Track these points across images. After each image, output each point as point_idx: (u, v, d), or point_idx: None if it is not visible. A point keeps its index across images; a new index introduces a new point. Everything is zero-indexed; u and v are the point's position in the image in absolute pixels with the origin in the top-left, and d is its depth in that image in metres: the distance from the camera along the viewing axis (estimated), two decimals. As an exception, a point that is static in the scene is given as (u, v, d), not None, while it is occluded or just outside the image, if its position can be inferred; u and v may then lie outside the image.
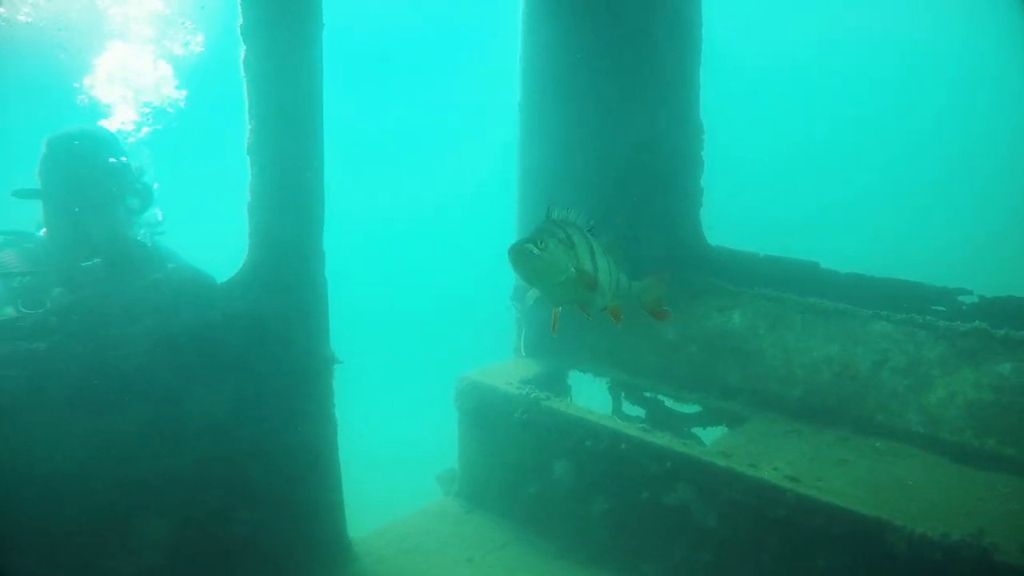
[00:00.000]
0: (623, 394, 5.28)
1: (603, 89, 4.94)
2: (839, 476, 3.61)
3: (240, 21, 3.88)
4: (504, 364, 5.40)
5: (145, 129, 5.53)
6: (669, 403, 5.04)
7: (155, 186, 4.62)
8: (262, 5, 3.85)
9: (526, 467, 4.81)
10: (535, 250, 2.38)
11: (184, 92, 5.81)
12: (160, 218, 4.82)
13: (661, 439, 4.14)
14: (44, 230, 4.45)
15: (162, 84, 5.81)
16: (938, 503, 3.33)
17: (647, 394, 5.11)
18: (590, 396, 5.40)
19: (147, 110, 5.67)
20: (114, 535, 3.71)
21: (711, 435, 4.74)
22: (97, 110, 5.47)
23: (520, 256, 2.39)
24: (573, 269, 2.49)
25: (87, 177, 4.22)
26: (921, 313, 4.27)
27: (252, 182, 4.02)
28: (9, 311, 4.13)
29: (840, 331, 4.47)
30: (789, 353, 4.56)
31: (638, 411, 5.21)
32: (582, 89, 4.98)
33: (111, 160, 4.34)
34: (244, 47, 3.90)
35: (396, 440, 10.78)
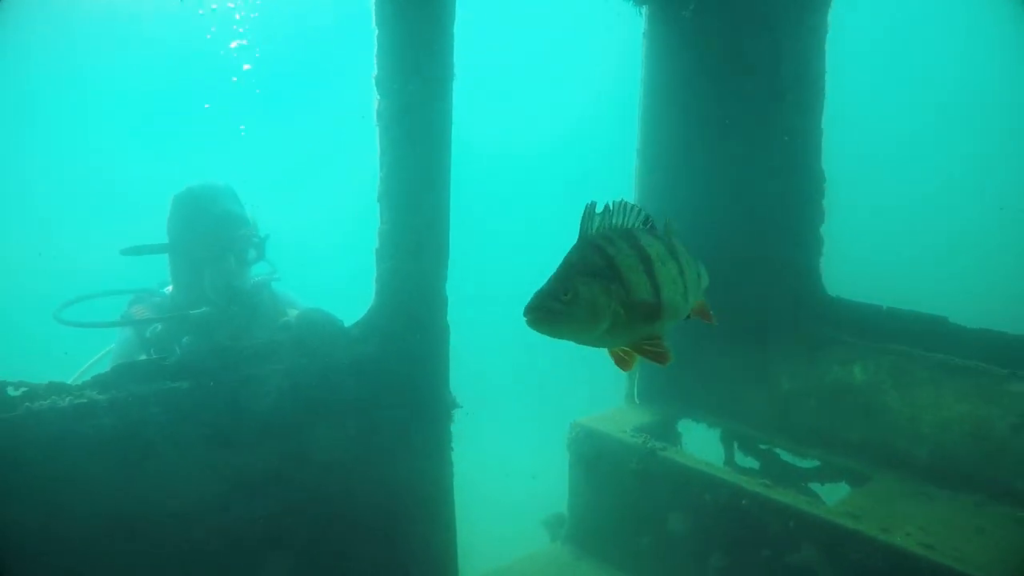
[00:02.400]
0: (736, 445, 5.20)
1: (725, 138, 4.92)
2: (979, 546, 3.46)
3: (375, 72, 4.02)
4: (617, 411, 5.38)
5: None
6: (785, 456, 4.94)
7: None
8: (396, 57, 3.97)
9: (639, 517, 4.76)
10: (559, 305, 1.84)
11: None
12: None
13: (785, 496, 4.06)
14: (169, 287, 4.69)
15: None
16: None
17: (762, 446, 5.02)
18: (693, 442, 5.34)
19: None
20: (244, 569, 3.82)
21: (829, 491, 4.62)
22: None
23: (540, 320, 1.84)
24: (620, 308, 1.92)
25: (213, 230, 4.43)
26: (1065, 375, 4.09)
27: (381, 228, 4.14)
28: (143, 359, 4.35)
29: (972, 390, 4.31)
30: (916, 410, 4.41)
31: (751, 462, 5.12)
32: (703, 138, 4.98)
33: (235, 214, 4.56)
34: (378, 98, 4.04)
35: (498, 481, 10.82)
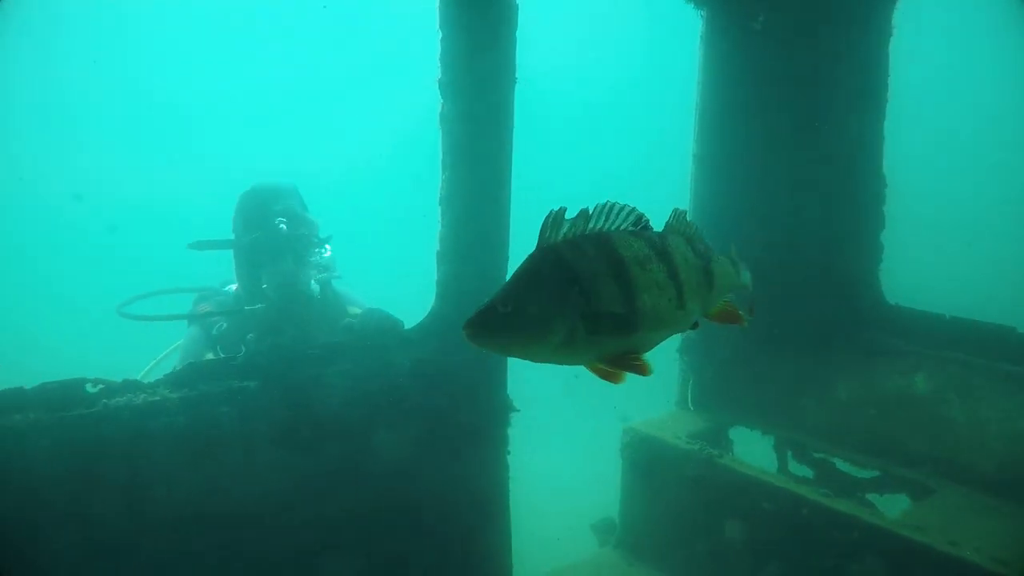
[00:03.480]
0: (790, 453, 5.15)
1: (785, 144, 4.88)
2: (1052, 562, 3.40)
3: (439, 76, 4.04)
4: (670, 416, 5.36)
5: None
6: (841, 466, 4.88)
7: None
8: (460, 61, 3.99)
9: (695, 523, 4.74)
10: (497, 317, 1.65)
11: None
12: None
13: (847, 507, 4.01)
14: (234, 286, 4.76)
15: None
16: None
17: (817, 455, 4.96)
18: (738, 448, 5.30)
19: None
20: (307, 568, 3.86)
21: (888, 503, 4.56)
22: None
23: (477, 334, 1.64)
24: (579, 320, 1.70)
25: (272, 229, 4.49)
26: None
27: (442, 232, 4.15)
28: (210, 356, 4.44)
29: (1040, 402, 4.23)
30: (981, 423, 4.34)
31: (805, 471, 5.06)
32: (763, 144, 4.93)
33: (295, 213, 4.61)
34: (442, 101, 4.05)
35: (543, 484, 10.81)
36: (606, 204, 1.82)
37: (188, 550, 3.46)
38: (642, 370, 1.76)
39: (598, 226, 1.81)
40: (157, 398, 3.33)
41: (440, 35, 3.99)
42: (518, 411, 4.44)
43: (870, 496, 4.69)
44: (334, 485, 3.91)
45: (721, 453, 4.67)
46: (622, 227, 1.84)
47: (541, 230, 1.77)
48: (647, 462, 5.00)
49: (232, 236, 4.64)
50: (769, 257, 4.84)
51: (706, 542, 4.67)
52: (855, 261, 5.12)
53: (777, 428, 5.13)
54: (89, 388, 3.20)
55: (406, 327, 4.26)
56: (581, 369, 1.84)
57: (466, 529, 4.39)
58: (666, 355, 5.71)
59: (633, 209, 1.85)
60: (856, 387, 4.91)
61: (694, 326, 1.99)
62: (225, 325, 4.44)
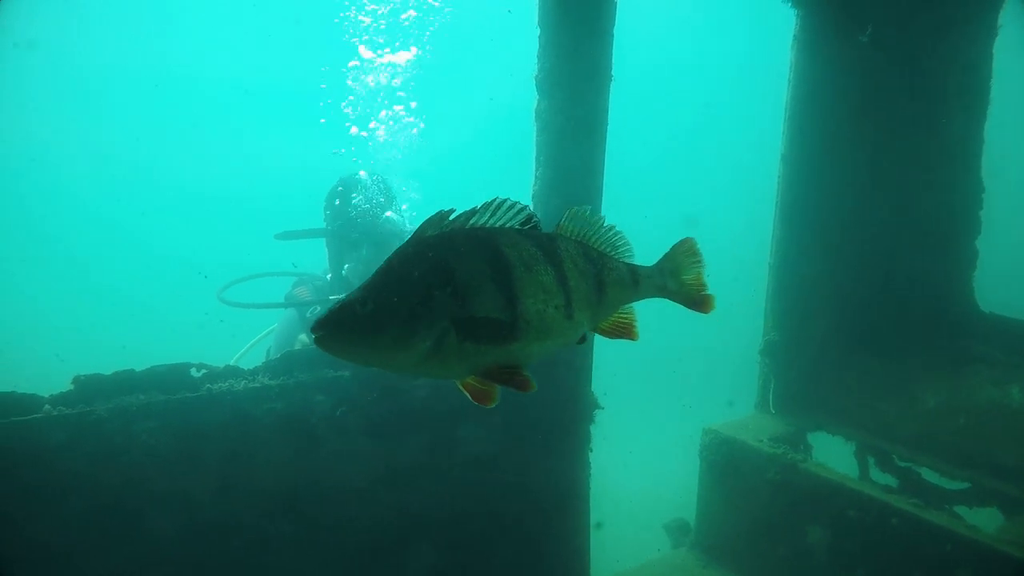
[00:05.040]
0: (872, 460, 5.05)
1: (880, 144, 4.77)
2: None
3: (536, 72, 4.04)
4: (750, 419, 5.29)
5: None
6: (926, 475, 4.76)
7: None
8: (558, 58, 3.97)
9: (774, 527, 4.67)
10: (351, 319, 1.46)
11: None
12: None
13: (940, 518, 3.92)
14: (329, 274, 4.88)
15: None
16: None
17: (901, 464, 4.85)
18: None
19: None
20: (390, 556, 3.91)
21: (975, 516, 4.44)
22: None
23: (328, 337, 1.47)
24: (449, 325, 1.51)
25: (352, 219, 4.59)
26: None
27: (535, 228, 4.15)
28: (303, 338, 4.54)
29: None
30: (1082, 437, 4.21)
31: (887, 479, 4.95)
32: (855, 146, 4.82)
33: (377, 205, 4.69)
34: (538, 97, 4.05)
35: (612, 483, 10.81)
36: (494, 200, 1.66)
37: (280, 532, 3.54)
38: (524, 385, 1.58)
39: (483, 223, 1.64)
40: (257, 385, 3.41)
41: (539, 32, 3.99)
42: (602, 408, 4.44)
43: (958, 508, 4.59)
44: (420, 472, 3.95)
45: (805, 458, 4.60)
46: (508, 226, 1.68)
47: (419, 228, 1.61)
48: (727, 464, 4.95)
49: (325, 223, 4.76)
50: (859, 260, 4.77)
51: (786, 547, 4.61)
52: (948, 266, 4.98)
53: (860, 434, 5.03)
54: (193, 372, 3.29)
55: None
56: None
57: (546, 521, 4.39)
58: (749, 356, 5.65)
59: (524, 207, 1.70)
60: (945, 395, 4.79)
61: (581, 339, 1.81)
62: (319, 308, 4.57)
